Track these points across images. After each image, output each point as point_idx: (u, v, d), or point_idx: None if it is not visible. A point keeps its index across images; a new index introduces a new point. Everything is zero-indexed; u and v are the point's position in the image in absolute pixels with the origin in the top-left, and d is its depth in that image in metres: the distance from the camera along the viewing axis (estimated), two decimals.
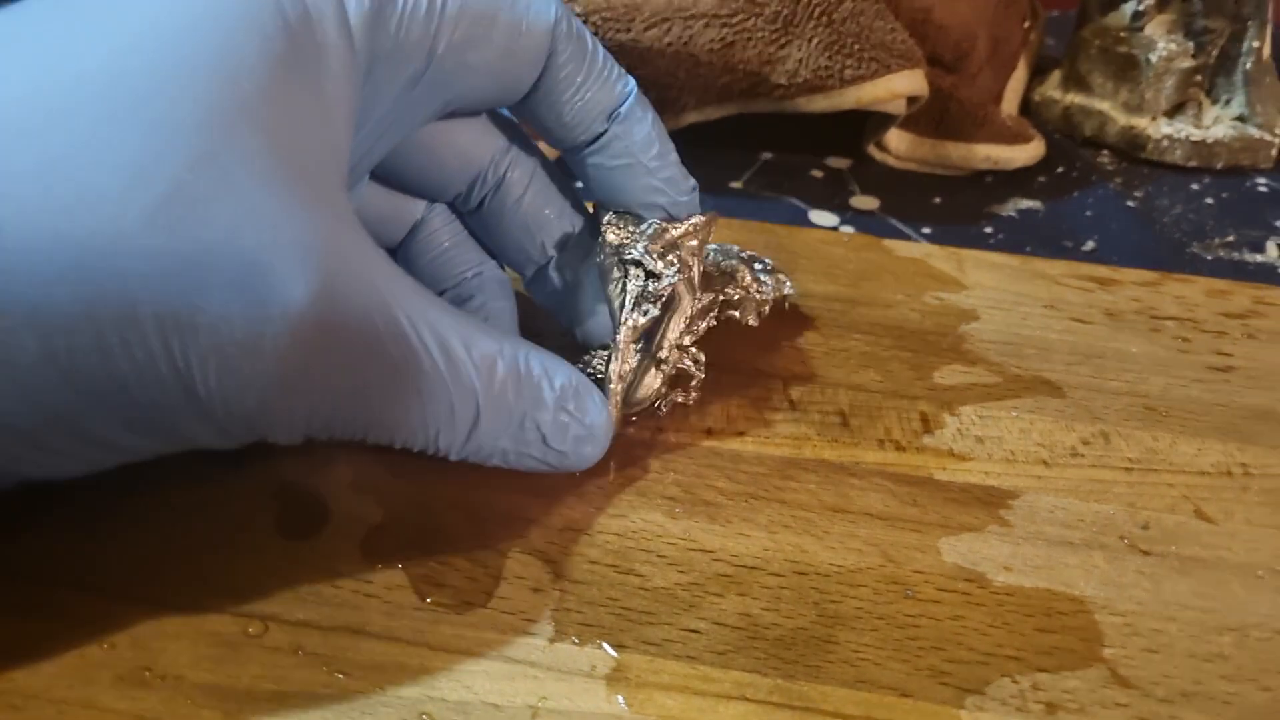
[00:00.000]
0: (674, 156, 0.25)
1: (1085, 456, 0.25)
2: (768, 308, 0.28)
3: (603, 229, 0.24)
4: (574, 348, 0.25)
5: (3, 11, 0.18)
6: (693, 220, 0.25)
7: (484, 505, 0.23)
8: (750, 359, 0.28)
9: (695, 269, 0.25)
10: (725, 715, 0.19)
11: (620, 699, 0.19)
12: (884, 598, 0.21)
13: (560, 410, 0.21)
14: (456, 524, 0.22)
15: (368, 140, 0.22)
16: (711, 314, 0.26)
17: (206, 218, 0.16)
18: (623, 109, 0.24)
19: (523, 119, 0.24)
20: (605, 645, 0.20)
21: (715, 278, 0.27)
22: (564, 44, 0.22)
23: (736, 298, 0.27)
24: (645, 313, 0.24)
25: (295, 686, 0.19)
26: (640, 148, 0.24)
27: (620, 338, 0.24)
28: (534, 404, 0.21)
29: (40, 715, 0.18)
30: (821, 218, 0.37)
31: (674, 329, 0.25)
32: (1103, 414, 0.26)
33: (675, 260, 0.24)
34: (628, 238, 0.24)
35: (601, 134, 0.24)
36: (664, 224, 0.24)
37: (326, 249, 0.18)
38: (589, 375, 0.24)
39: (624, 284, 0.24)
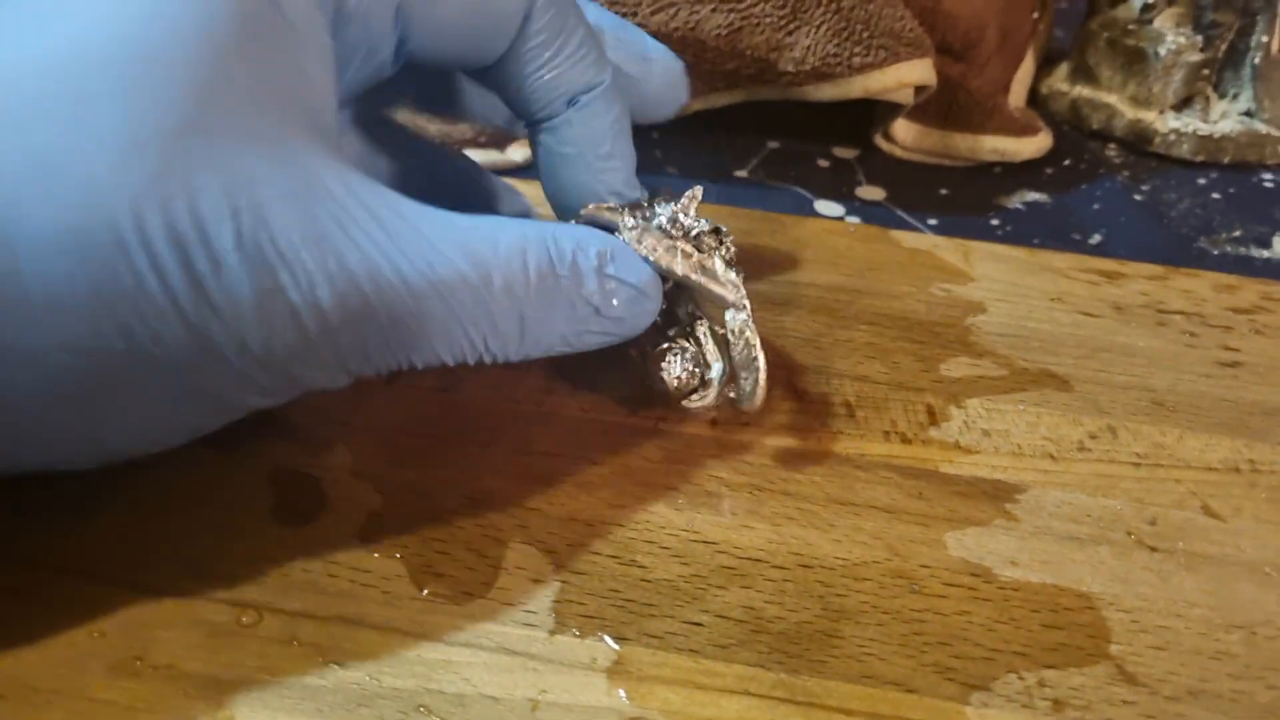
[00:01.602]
0: (625, 166, 0.24)
1: (1092, 451, 0.25)
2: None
3: (633, 225, 0.22)
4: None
5: None
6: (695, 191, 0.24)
7: (484, 494, 0.22)
8: None
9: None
10: (728, 709, 0.19)
11: (621, 692, 0.19)
12: (889, 592, 0.21)
13: (604, 279, 0.20)
14: (457, 512, 0.22)
15: (348, 87, 0.22)
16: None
17: (200, 186, 0.16)
18: (585, 97, 0.23)
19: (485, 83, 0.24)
20: (606, 638, 0.20)
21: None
22: (541, 13, 0.22)
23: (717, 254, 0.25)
24: (738, 272, 0.23)
25: (290, 677, 0.19)
26: (590, 142, 0.23)
27: (747, 310, 0.22)
28: (576, 282, 0.20)
29: (29, 704, 0.18)
30: (827, 208, 0.36)
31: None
32: (1110, 408, 0.26)
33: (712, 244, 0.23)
34: (681, 214, 0.23)
35: (556, 115, 0.23)
36: (670, 194, 0.23)
37: (320, 199, 0.17)
38: (693, 378, 0.23)
39: (714, 254, 0.23)
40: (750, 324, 0.22)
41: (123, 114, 0.16)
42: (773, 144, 0.40)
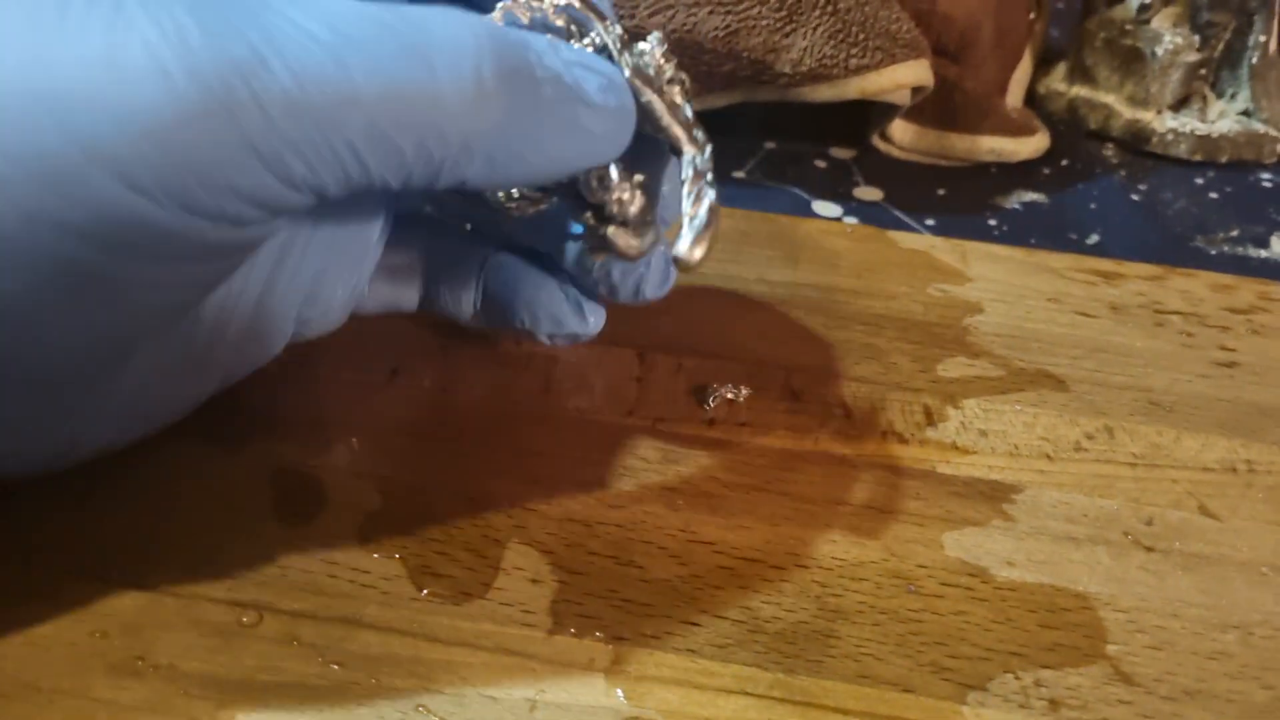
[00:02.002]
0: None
1: (1089, 451, 0.25)
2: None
3: (616, 30, 0.20)
4: None
5: None
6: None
7: (483, 494, 0.23)
8: (752, 349, 0.27)
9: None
10: (725, 709, 0.19)
11: (619, 692, 0.19)
12: (886, 592, 0.21)
13: (564, 57, 0.18)
14: (456, 513, 0.22)
15: None
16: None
17: None
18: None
19: None
20: (604, 638, 0.20)
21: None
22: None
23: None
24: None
25: (290, 677, 0.19)
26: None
27: (700, 137, 0.20)
28: (540, 56, 0.18)
29: (31, 704, 0.18)
30: (825, 208, 0.36)
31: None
32: (1107, 408, 0.26)
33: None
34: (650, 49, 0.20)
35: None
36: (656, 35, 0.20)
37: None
38: (619, 197, 0.20)
39: (671, 83, 0.20)
40: (701, 158, 0.20)
41: None
42: (770, 145, 0.40)
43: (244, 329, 0.20)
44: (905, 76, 0.35)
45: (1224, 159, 0.40)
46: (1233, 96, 0.41)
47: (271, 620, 0.20)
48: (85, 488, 0.22)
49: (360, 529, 0.22)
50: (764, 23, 0.34)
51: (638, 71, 0.19)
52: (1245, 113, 0.41)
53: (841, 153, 0.40)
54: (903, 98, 0.36)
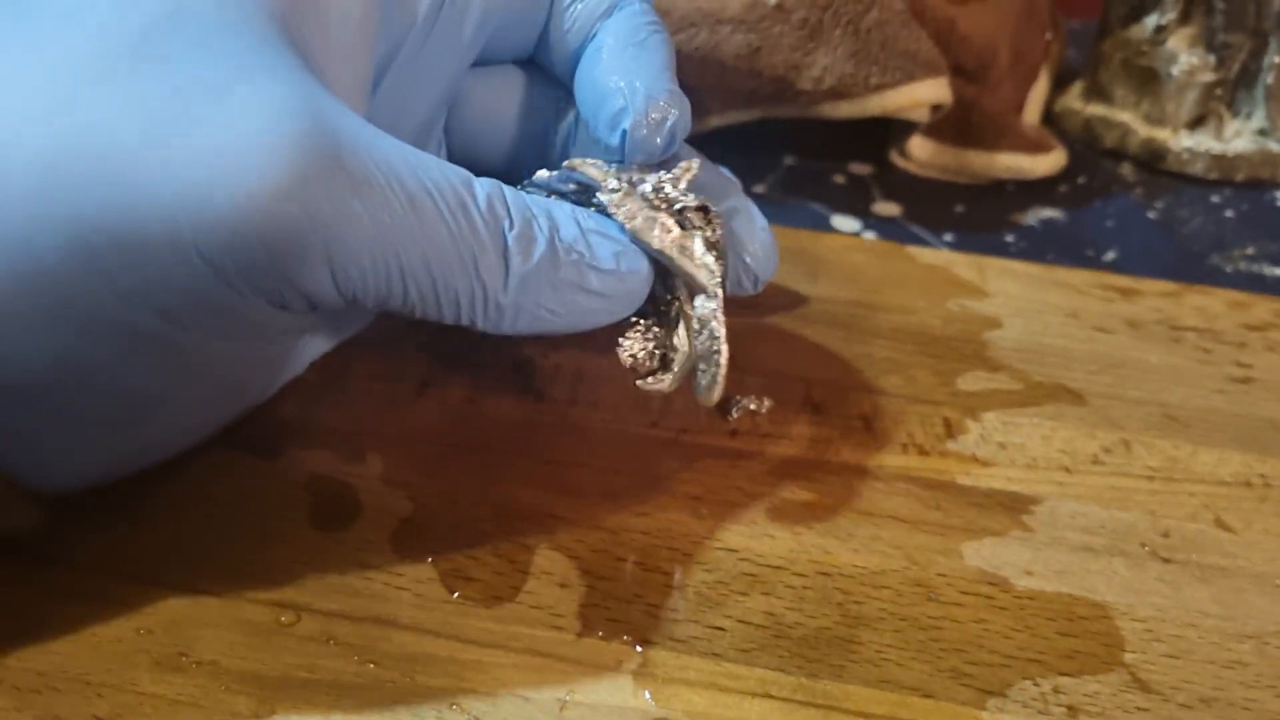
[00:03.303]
0: (663, 53, 0.23)
1: (1106, 464, 0.25)
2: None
3: (616, 188, 0.21)
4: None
5: None
6: (692, 162, 0.22)
7: (512, 501, 0.23)
8: (773, 362, 0.28)
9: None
10: (750, 712, 0.19)
11: (646, 694, 0.19)
12: (907, 599, 0.21)
13: (582, 228, 0.20)
14: (485, 519, 0.23)
15: (406, 81, 0.22)
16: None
17: (176, 51, 0.17)
18: (622, 2, 0.23)
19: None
20: (631, 641, 0.20)
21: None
22: None
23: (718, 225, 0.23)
24: (720, 258, 0.21)
25: (327, 675, 0.19)
26: (625, 33, 0.23)
27: (720, 291, 0.21)
28: (555, 226, 0.19)
29: (81, 697, 0.19)
30: (843, 223, 0.37)
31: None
32: (1124, 422, 0.27)
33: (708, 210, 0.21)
34: (669, 184, 0.21)
35: (596, 29, 0.23)
36: (682, 165, 0.22)
37: (308, 87, 0.18)
38: (658, 354, 0.22)
39: (694, 232, 0.21)
40: (719, 314, 0.21)
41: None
42: (790, 160, 0.41)
43: (282, 355, 0.21)
44: (924, 94, 0.35)
45: (1240, 178, 0.41)
46: (1248, 116, 0.41)
47: (309, 620, 0.20)
48: (131, 496, 0.22)
49: (393, 534, 0.22)
50: (786, 41, 0.35)
51: (637, 233, 0.20)
52: (1261, 132, 0.41)
53: (860, 169, 0.40)
54: (921, 115, 0.36)
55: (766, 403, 0.26)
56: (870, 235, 0.36)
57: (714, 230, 0.21)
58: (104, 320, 0.17)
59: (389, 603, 0.21)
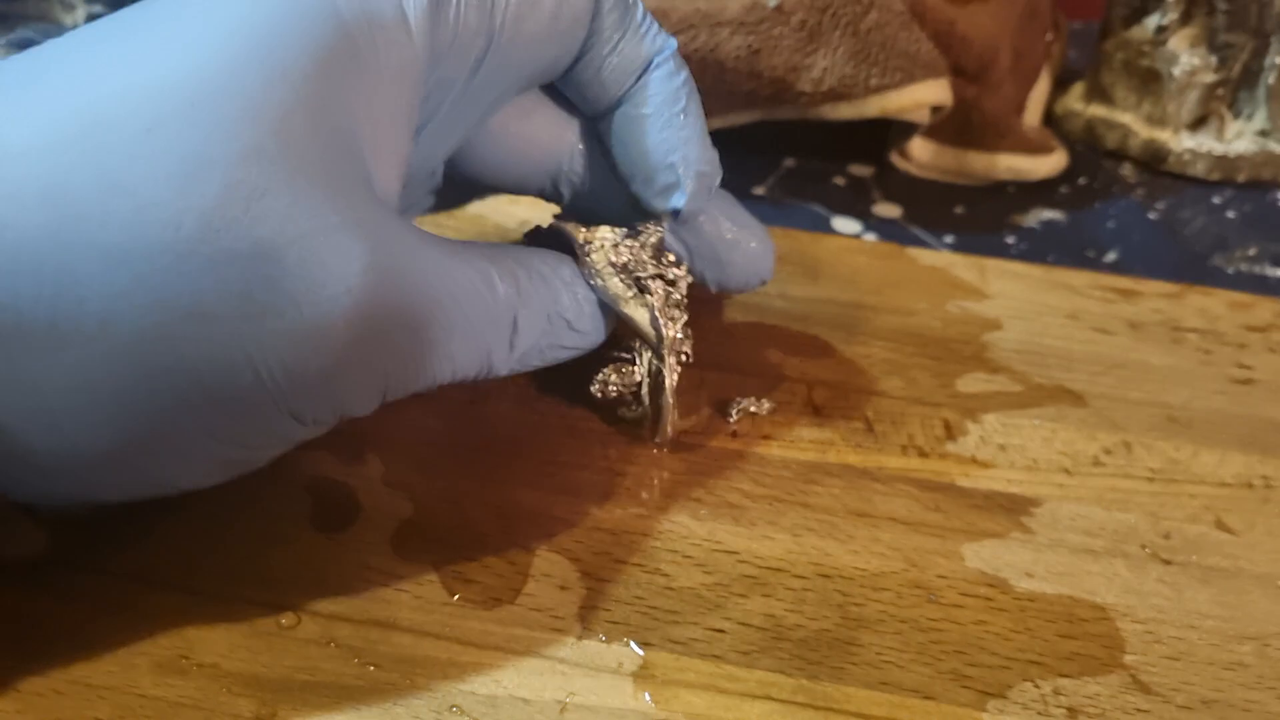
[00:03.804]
0: (699, 123, 0.24)
1: (1107, 466, 0.25)
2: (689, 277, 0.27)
3: (589, 251, 0.24)
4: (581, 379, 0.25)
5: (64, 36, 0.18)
6: (662, 225, 0.25)
7: (512, 503, 0.23)
8: (774, 364, 0.28)
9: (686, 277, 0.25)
10: (750, 714, 0.19)
11: (647, 696, 0.19)
12: (907, 601, 0.21)
13: (572, 295, 0.23)
14: (485, 521, 0.23)
15: (437, 133, 0.22)
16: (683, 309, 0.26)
17: (259, 214, 0.17)
18: (656, 60, 0.24)
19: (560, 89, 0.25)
20: (632, 643, 0.20)
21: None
22: (605, 1, 0.23)
23: (672, 276, 0.26)
24: (676, 320, 0.24)
25: (328, 677, 0.19)
26: (666, 100, 0.24)
27: (666, 353, 0.24)
28: (553, 298, 0.22)
29: (83, 699, 0.19)
30: (844, 225, 0.37)
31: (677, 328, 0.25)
32: (1125, 424, 0.27)
33: (673, 263, 0.24)
34: (630, 252, 0.24)
35: (632, 88, 0.24)
36: (644, 228, 0.24)
37: (372, 225, 0.18)
38: (620, 388, 0.25)
39: (647, 299, 0.24)
40: (664, 370, 0.24)
41: (191, 139, 0.17)
42: (789, 162, 0.41)
43: None
44: (924, 95, 0.35)
45: (1241, 178, 0.41)
46: (1250, 117, 0.41)
47: (310, 622, 0.20)
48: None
49: (393, 536, 0.22)
50: (786, 43, 0.35)
51: (603, 293, 0.24)
52: (1263, 133, 0.41)
53: (860, 170, 0.40)
54: (922, 116, 0.36)
55: (766, 404, 0.26)
56: (871, 237, 0.36)
57: (670, 295, 0.24)
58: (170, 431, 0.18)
59: (389, 605, 0.21)
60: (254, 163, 0.17)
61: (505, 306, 0.21)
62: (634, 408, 0.25)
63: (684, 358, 0.25)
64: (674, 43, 0.24)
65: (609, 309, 0.23)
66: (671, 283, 0.24)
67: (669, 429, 0.25)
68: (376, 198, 0.19)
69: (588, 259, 0.23)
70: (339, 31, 0.19)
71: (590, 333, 0.23)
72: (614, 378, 0.25)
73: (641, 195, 0.24)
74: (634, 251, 0.24)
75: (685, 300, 0.24)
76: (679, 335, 0.24)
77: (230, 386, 0.17)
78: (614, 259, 0.24)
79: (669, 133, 0.24)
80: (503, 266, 0.21)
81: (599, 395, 0.25)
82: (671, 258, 0.24)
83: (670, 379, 0.24)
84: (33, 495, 0.19)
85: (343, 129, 0.18)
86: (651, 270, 0.24)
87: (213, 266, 0.17)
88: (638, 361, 0.25)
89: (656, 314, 0.24)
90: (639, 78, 0.24)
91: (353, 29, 0.19)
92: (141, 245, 0.16)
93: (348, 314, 0.18)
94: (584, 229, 0.24)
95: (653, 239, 0.24)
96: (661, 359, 0.24)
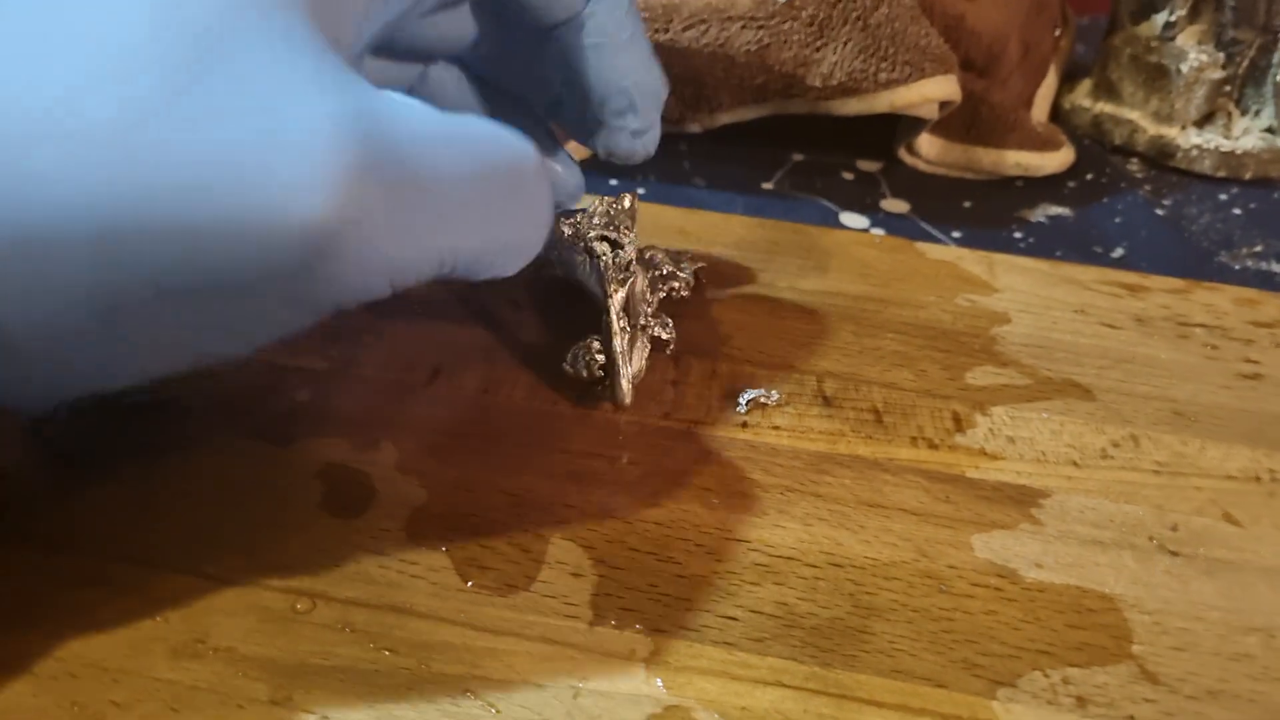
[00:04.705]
0: (645, 47, 0.25)
1: (1115, 459, 0.25)
2: (690, 280, 0.29)
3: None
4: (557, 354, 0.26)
5: None
6: (623, 199, 0.28)
7: (526, 491, 0.23)
8: (784, 356, 0.28)
9: (637, 242, 0.27)
10: (762, 700, 0.19)
11: (659, 682, 0.20)
12: (918, 591, 0.22)
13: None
14: (499, 508, 0.23)
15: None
16: (659, 288, 0.28)
17: (213, 82, 0.15)
18: None
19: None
20: (644, 630, 0.20)
21: (640, 258, 0.29)
22: None
23: (668, 270, 0.29)
24: (624, 281, 0.25)
25: (343, 662, 0.19)
26: (615, 26, 0.24)
27: (614, 312, 0.25)
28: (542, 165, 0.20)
29: (96, 684, 0.19)
30: (852, 219, 0.37)
31: (642, 299, 0.27)
32: (1132, 417, 0.27)
33: (627, 230, 0.27)
34: (579, 223, 0.27)
35: (576, 11, 0.24)
36: (600, 201, 0.27)
37: (349, 88, 0.16)
38: (588, 362, 0.25)
39: (595, 263, 0.26)
40: (613, 326, 0.25)
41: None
42: (798, 157, 0.41)
43: None
44: (933, 91, 0.35)
45: (1248, 175, 0.41)
46: (1257, 113, 0.41)
47: (325, 608, 0.20)
48: (145, 483, 0.22)
49: (407, 523, 0.22)
50: (795, 38, 0.35)
51: (562, 262, 0.27)
52: (1269, 129, 0.41)
53: (869, 165, 0.40)
54: (930, 112, 0.37)
55: (776, 395, 0.26)
56: (879, 231, 0.36)
57: (617, 257, 0.26)
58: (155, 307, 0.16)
59: (404, 590, 0.21)
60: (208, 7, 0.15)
61: (542, 188, 0.19)
62: (605, 383, 0.26)
63: (649, 336, 0.26)
64: None
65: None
66: (618, 245, 0.26)
67: (623, 392, 0.25)
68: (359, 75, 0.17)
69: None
70: None
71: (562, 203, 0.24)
72: (581, 353, 0.26)
73: (596, 116, 0.25)
74: (579, 220, 0.26)
75: (639, 274, 0.26)
76: (621, 295, 0.25)
77: (202, 287, 0.16)
78: (566, 230, 0.27)
79: (620, 59, 0.24)
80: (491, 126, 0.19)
81: (569, 371, 0.26)
82: (625, 229, 0.27)
83: (619, 340, 0.25)
84: (7, 392, 0.17)
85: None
86: (599, 231, 0.26)
87: (159, 150, 0.15)
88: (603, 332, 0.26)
89: (607, 272, 0.25)
90: (584, 2, 0.24)
91: None
92: (77, 120, 0.15)
93: (330, 198, 0.15)
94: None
95: (594, 208, 0.27)
96: (608, 311, 0.25)
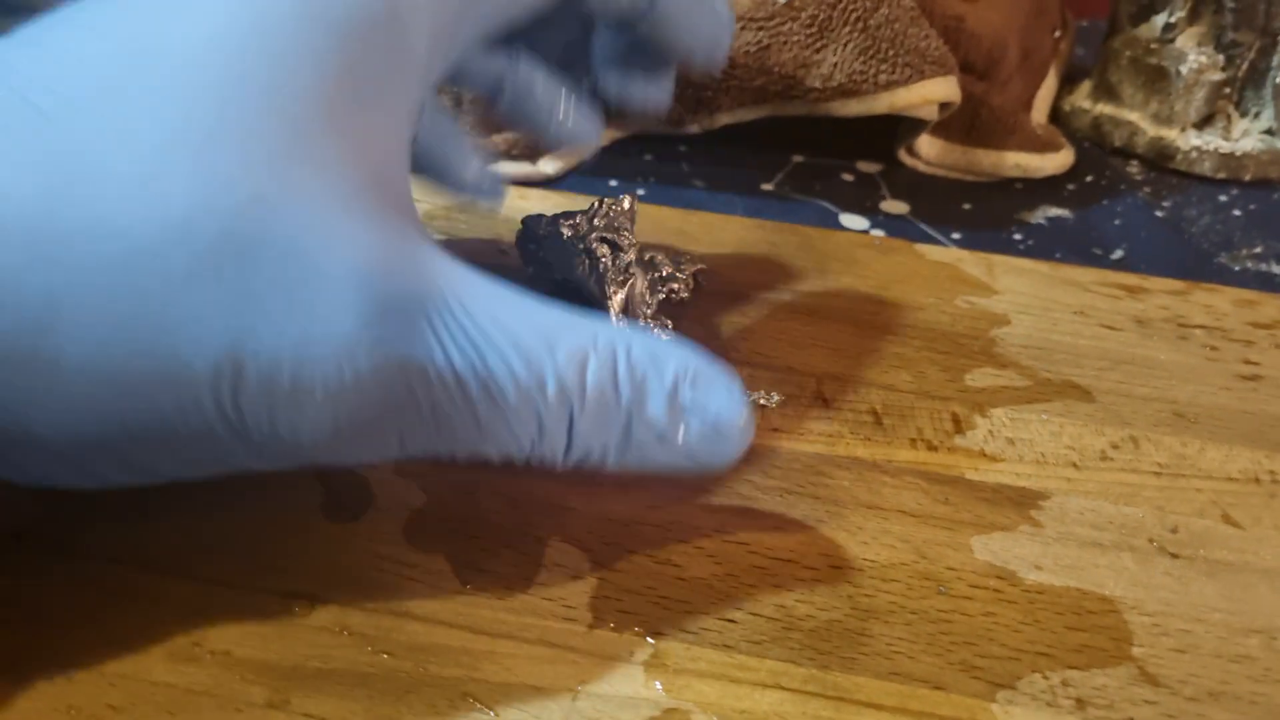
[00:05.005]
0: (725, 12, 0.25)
1: (1115, 460, 0.25)
2: (691, 281, 0.30)
3: (543, 231, 0.27)
4: None
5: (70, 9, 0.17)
6: (622, 200, 0.28)
7: (524, 493, 0.23)
8: (783, 357, 0.28)
9: (637, 244, 0.27)
10: (761, 703, 0.19)
11: (658, 684, 0.19)
12: (917, 593, 0.22)
13: (674, 403, 0.18)
14: (497, 511, 0.23)
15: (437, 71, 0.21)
16: (659, 290, 0.28)
17: (255, 263, 0.16)
18: None
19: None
20: (643, 632, 0.20)
21: (640, 259, 0.29)
22: None
23: (668, 272, 0.29)
24: (624, 283, 0.26)
25: (341, 665, 0.19)
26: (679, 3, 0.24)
27: (613, 315, 0.25)
28: (639, 399, 0.18)
29: (94, 687, 0.19)
30: (852, 221, 0.37)
31: (641, 300, 0.27)
32: (1132, 419, 0.27)
33: (627, 233, 0.27)
34: (578, 225, 0.27)
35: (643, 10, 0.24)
36: (600, 203, 0.27)
37: (378, 265, 0.16)
38: None
39: (594, 265, 0.26)
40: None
41: (189, 178, 0.15)
42: (798, 158, 0.41)
43: None
44: (933, 92, 0.35)
45: (1247, 177, 0.41)
46: (1256, 115, 0.41)
47: (322, 611, 0.20)
48: (141, 487, 0.22)
49: (405, 525, 0.22)
50: (795, 39, 0.35)
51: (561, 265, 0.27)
52: (1269, 131, 0.41)
53: (868, 167, 0.40)
54: (930, 113, 0.37)
55: (775, 397, 0.26)
56: (878, 233, 0.36)
57: (617, 259, 0.27)
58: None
59: (402, 593, 0.21)
60: (254, 211, 0.15)
61: (555, 407, 0.17)
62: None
63: (662, 334, 0.26)
64: None
65: (720, 435, 0.19)
66: (618, 247, 0.26)
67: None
68: (403, 227, 0.17)
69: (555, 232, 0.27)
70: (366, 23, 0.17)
71: (698, 454, 0.18)
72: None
73: (691, 50, 0.25)
74: (578, 222, 0.27)
75: (639, 275, 0.26)
76: (620, 296, 0.26)
77: (200, 434, 0.16)
78: (566, 232, 0.27)
79: (711, 14, 0.25)
80: (569, 348, 0.17)
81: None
82: (624, 232, 0.27)
83: None
84: (15, 474, 0.18)
85: (359, 150, 0.17)
86: (599, 234, 0.26)
87: (198, 314, 0.15)
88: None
89: (606, 274, 0.26)
90: None
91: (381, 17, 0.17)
92: (126, 288, 0.15)
93: (335, 379, 0.16)
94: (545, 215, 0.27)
95: (592, 210, 0.27)
96: (610, 319, 0.26)
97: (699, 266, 0.30)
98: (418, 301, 0.17)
